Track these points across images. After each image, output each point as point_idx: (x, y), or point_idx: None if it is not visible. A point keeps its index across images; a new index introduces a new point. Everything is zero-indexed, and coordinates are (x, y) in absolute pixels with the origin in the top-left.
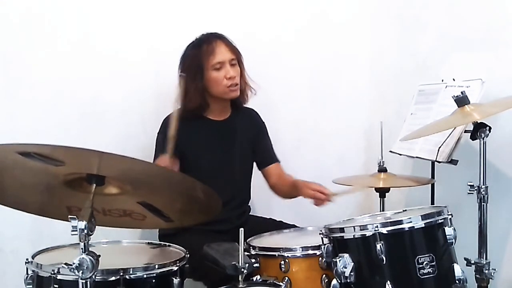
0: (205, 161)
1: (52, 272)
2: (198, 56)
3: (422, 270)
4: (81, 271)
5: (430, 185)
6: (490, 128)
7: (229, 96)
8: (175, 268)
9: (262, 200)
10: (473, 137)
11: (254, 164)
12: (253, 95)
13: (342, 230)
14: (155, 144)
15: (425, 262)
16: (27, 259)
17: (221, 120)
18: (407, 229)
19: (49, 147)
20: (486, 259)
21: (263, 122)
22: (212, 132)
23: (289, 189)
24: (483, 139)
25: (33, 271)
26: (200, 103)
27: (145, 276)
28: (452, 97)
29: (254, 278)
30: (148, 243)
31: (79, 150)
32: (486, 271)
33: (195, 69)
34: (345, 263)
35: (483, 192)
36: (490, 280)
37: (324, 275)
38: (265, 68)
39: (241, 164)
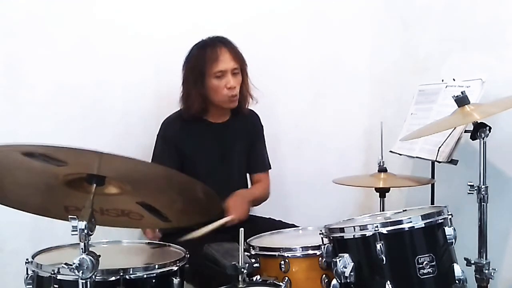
0: (203, 162)
1: (52, 272)
2: (201, 61)
3: (422, 270)
4: (81, 271)
5: (430, 185)
6: (490, 128)
7: (227, 106)
8: (175, 268)
9: None
10: (473, 137)
11: None
12: (254, 103)
13: (342, 230)
14: (154, 146)
15: (425, 262)
16: (27, 259)
17: (220, 122)
18: (407, 229)
19: (53, 148)
20: (486, 259)
21: (262, 126)
22: (210, 134)
23: None
24: (483, 139)
25: (33, 271)
26: (202, 108)
27: (145, 276)
28: (452, 97)
29: (254, 278)
30: (148, 243)
31: (81, 150)
32: (486, 271)
33: (197, 74)
34: (345, 263)
35: (483, 192)
36: (490, 280)
37: (324, 275)
38: (265, 68)
39: (238, 166)
